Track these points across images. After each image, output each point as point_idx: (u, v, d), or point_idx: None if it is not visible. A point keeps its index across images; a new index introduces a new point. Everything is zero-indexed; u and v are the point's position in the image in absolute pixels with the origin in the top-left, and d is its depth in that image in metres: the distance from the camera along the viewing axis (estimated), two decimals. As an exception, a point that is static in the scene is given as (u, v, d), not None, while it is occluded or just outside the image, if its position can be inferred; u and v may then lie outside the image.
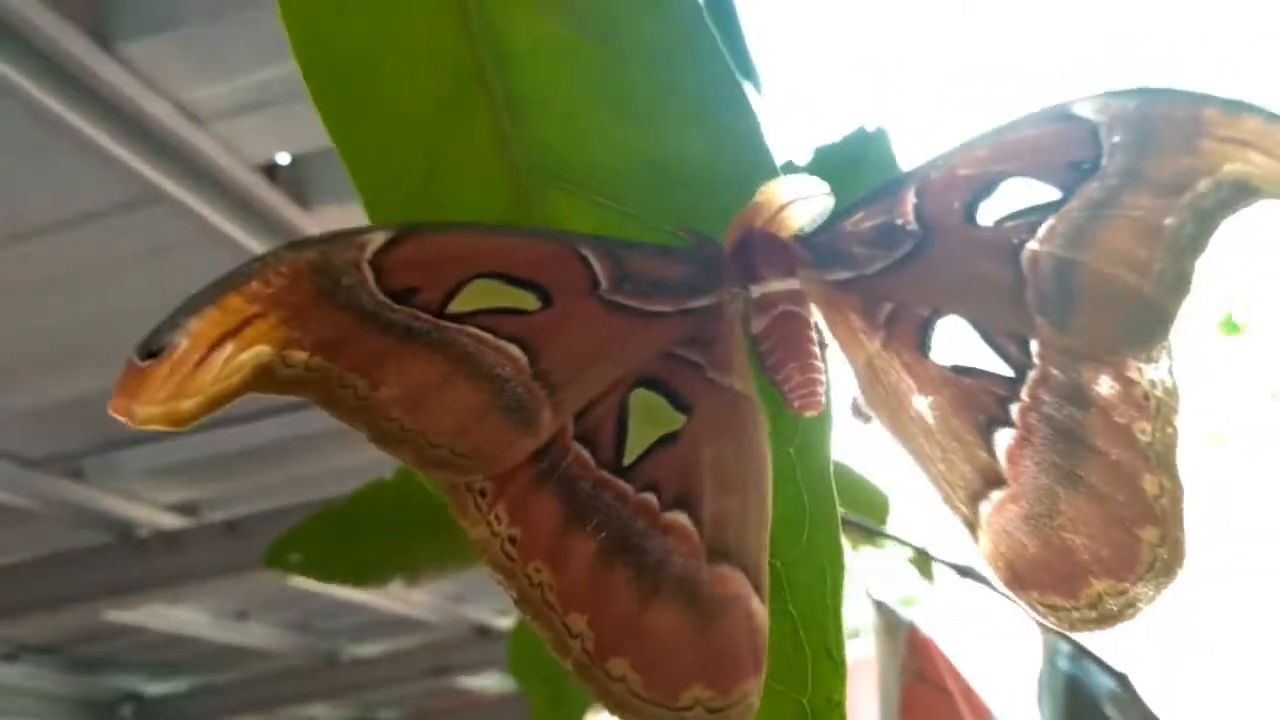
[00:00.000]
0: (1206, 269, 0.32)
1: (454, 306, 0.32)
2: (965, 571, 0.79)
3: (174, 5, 1.05)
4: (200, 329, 0.29)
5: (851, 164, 0.69)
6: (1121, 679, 0.72)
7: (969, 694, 0.70)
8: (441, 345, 0.32)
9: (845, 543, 0.36)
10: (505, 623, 2.77)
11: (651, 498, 0.33)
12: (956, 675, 0.70)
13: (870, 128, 0.71)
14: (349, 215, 1.26)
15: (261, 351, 0.30)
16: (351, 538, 0.82)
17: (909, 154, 0.69)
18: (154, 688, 2.89)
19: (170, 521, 1.96)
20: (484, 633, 2.79)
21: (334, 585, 0.89)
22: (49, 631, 2.37)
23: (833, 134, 0.71)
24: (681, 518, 0.33)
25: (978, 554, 0.34)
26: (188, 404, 0.29)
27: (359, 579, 0.86)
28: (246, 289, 0.30)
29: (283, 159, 1.25)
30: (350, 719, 3.46)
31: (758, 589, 0.33)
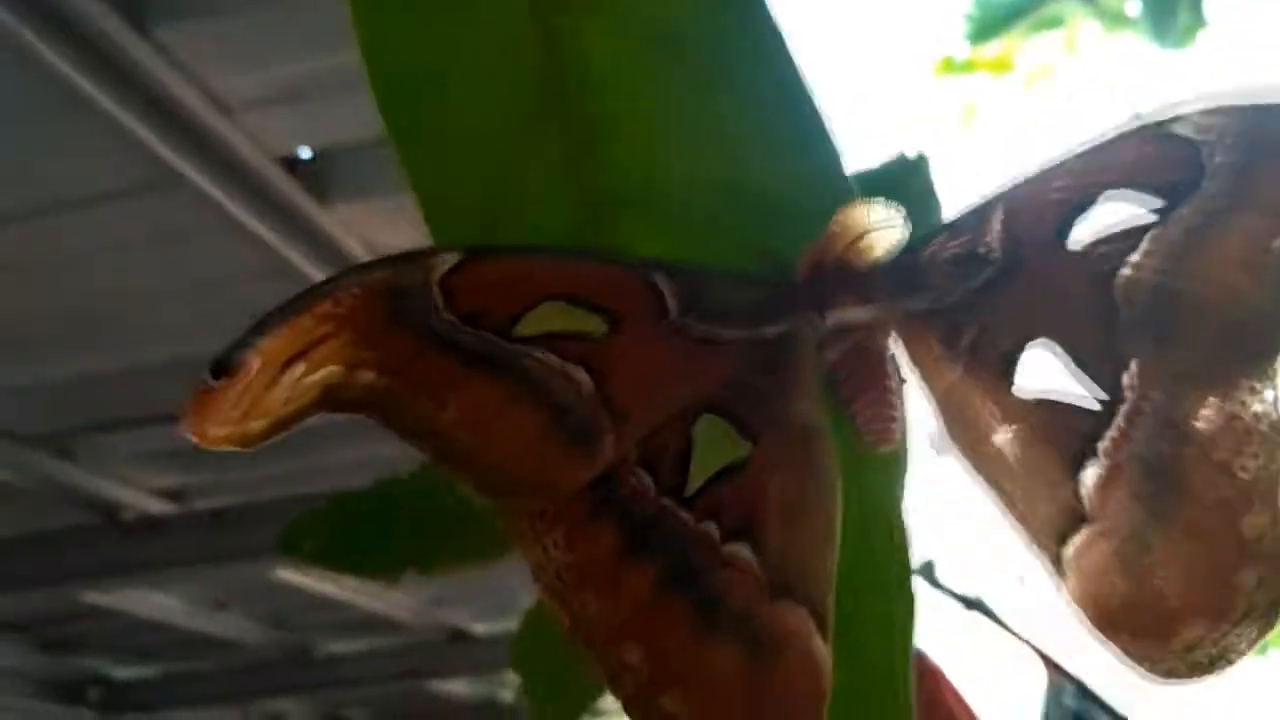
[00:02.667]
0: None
1: (520, 329, 0.31)
2: (971, 604, 0.80)
3: (210, -7, 1.05)
4: (272, 349, 0.29)
5: (891, 191, 0.69)
6: (1123, 721, 0.73)
7: (975, 727, 0.70)
8: (507, 368, 0.31)
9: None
10: (481, 629, 2.76)
11: (713, 528, 0.32)
12: (964, 705, 0.70)
13: (910, 154, 0.71)
14: (366, 212, 1.26)
15: (332, 372, 0.29)
16: (368, 529, 0.82)
17: (946, 181, 0.69)
18: (123, 672, 2.87)
19: (156, 506, 1.96)
20: (459, 638, 2.79)
21: (341, 576, 0.89)
22: (23, 609, 2.35)
23: (871, 160, 0.71)
24: (743, 550, 0.32)
25: (1064, 596, 0.32)
26: (258, 424, 0.29)
27: (371, 572, 0.86)
28: (318, 309, 0.29)
29: (304, 153, 1.25)
30: (318, 715, 3.44)
31: (821, 628, 0.32)
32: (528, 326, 0.31)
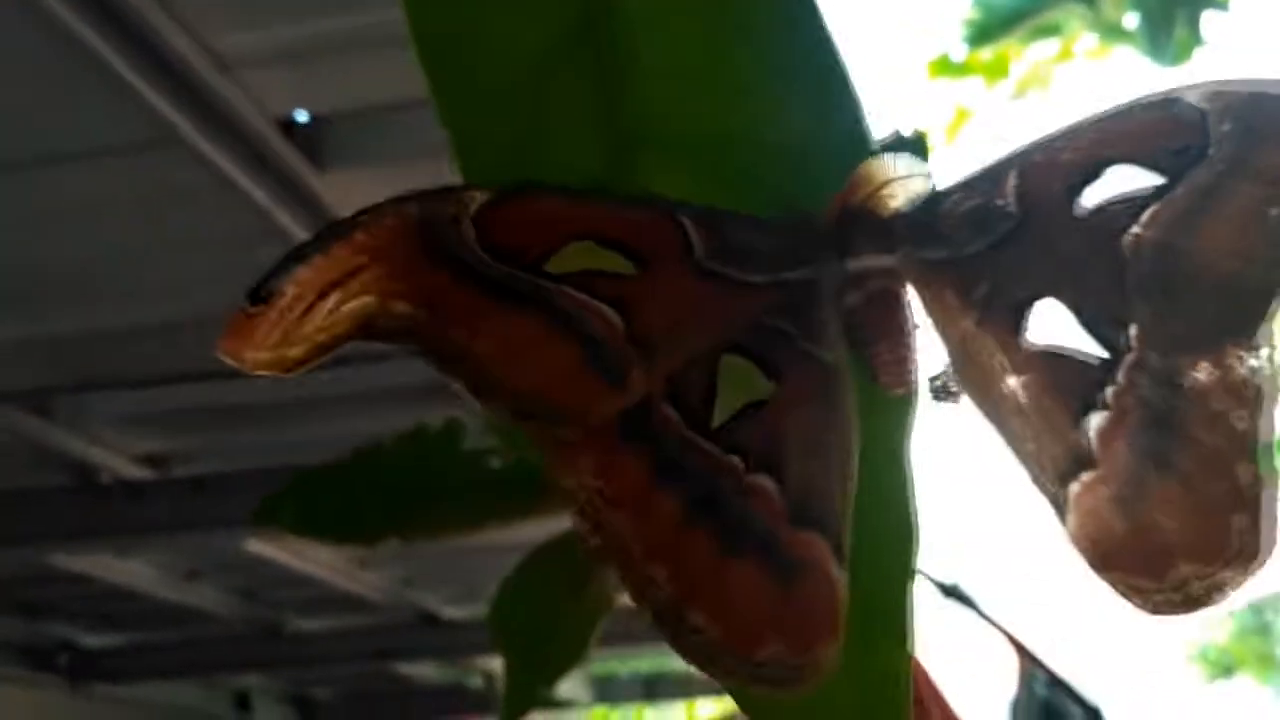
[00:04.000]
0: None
1: (552, 266, 0.32)
2: (948, 590, 0.80)
3: (215, -51, 1.05)
4: (307, 278, 0.30)
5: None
6: (1094, 712, 0.73)
7: (948, 713, 0.70)
8: (539, 303, 0.32)
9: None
10: (452, 613, 2.76)
11: (737, 460, 0.34)
12: (937, 694, 0.71)
13: (906, 132, 0.71)
14: (361, 179, 1.26)
15: (366, 302, 0.31)
16: (346, 497, 0.82)
17: (943, 160, 0.70)
18: (93, 640, 2.86)
19: (136, 472, 1.95)
20: (429, 621, 2.78)
21: (315, 550, 0.88)
22: (-5, 571, 2.34)
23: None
24: (766, 481, 0.34)
25: (1063, 534, 0.34)
26: (294, 350, 0.30)
27: (349, 540, 0.86)
28: (352, 240, 0.31)
29: (301, 116, 1.25)
30: (284, 693, 3.43)
31: (838, 556, 0.34)
32: (559, 264, 0.32)
